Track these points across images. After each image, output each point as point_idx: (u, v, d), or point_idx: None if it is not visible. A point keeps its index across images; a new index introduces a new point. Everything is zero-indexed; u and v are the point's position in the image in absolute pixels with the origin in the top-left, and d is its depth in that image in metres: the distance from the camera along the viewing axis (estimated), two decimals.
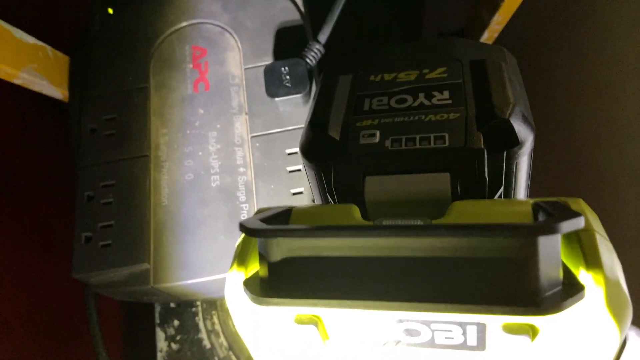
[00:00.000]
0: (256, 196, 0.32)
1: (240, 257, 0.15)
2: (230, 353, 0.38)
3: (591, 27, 0.41)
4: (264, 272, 0.14)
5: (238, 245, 0.16)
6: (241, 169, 0.33)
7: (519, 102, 0.19)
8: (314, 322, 0.14)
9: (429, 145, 0.18)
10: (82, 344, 0.38)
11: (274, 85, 0.33)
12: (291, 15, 0.36)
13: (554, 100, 0.46)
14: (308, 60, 0.34)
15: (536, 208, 0.14)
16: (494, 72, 0.21)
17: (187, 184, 0.33)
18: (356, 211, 0.16)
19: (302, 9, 0.36)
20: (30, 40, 0.35)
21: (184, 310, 0.40)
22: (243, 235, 0.16)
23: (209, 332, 0.39)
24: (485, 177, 0.18)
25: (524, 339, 0.12)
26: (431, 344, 0.14)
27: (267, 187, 0.32)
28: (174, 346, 0.39)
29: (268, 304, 0.13)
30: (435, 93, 0.21)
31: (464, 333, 0.13)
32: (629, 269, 0.14)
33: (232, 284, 0.15)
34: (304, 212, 0.16)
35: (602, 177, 0.40)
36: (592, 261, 0.12)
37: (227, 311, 0.39)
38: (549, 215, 0.12)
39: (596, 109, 0.41)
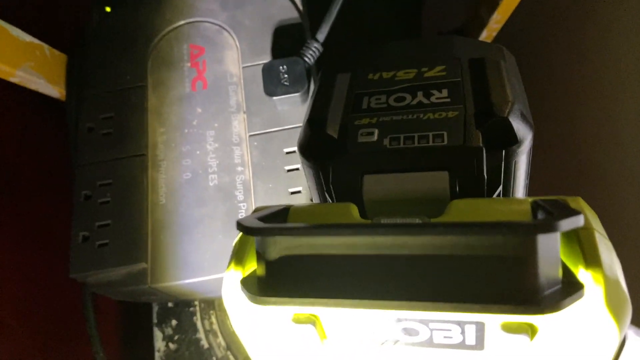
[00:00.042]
0: (254, 195, 0.32)
1: (238, 256, 0.15)
2: (228, 353, 0.38)
3: (591, 26, 0.41)
4: (261, 271, 0.13)
5: (235, 244, 0.16)
6: (239, 168, 0.33)
7: (517, 100, 0.19)
8: (312, 321, 0.14)
9: (428, 144, 0.18)
10: (80, 343, 0.38)
11: (272, 83, 0.33)
12: (289, 13, 0.36)
13: (553, 99, 0.46)
14: (306, 59, 0.33)
15: (535, 207, 0.14)
16: (492, 70, 0.20)
17: (185, 183, 0.33)
18: (354, 210, 0.16)
19: (301, 7, 0.36)
20: (27, 38, 0.35)
21: (181, 310, 0.40)
22: (240, 234, 0.16)
23: (206, 332, 0.39)
24: (484, 176, 0.18)
25: (522, 338, 0.12)
26: (429, 343, 0.14)
27: (265, 186, 0.32)
28: (172, 346, 0.39)
29: (266, 303, 0.13)
30: (434, 91, 0.20)
31: (463, 332, 0.13)
32: (628, 269, 0.14)
33: (229, 283, 0.15)
34: (301, 211, 0.16)
35: (601, 176, 0.40)
36: (592, 260, 0.12)
37: (224, 311, 0.39)
38: (548, 214, 0.12)
39: (596, 109, 0.41)
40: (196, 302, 0.40)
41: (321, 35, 0.34)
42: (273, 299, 0.13)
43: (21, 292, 0.36)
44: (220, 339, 0.38)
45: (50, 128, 0.41)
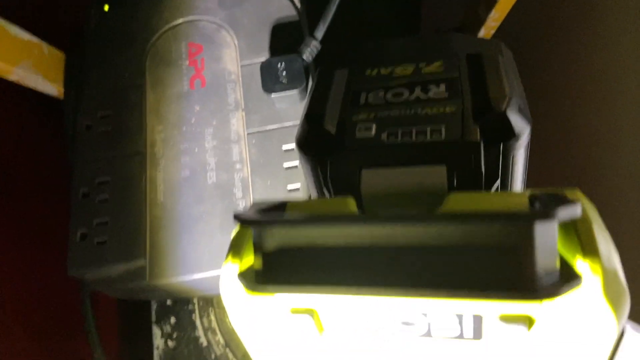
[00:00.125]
0: (252, 193, 0.32)
1: (235, 250, 0.15)
2: (227, 350, 0.38)
3: (588, 24, 0.41)
4: (258, 264, 0.13)
5: (233, 238, 0.16)
6: (237, 166, 0.33)
7: (515, 95, 0.19)
8: (310, 312, 0.14)
9: (425, 139, 0.18)
10: (78, 341, 0.38)
11: (270, 81, 0.33)
12: (287, 11, 0.36)
13: (551, 96, 0.46)
14: (304, 57, 0.33)
15: (533, 199, 0.14)
16: (490, 65, 0.21)
17: (183, 181, 0.33)
18: (352, 203, 0.16)
19: (298, 5, 0.36)
20: (26, 36, 0.35)
21: (180, 307, 0.40)
22: (238, 227, 0.16)
23: (205, 330, 0.39)
24: (482, 170, 0.18)
25: (520, 329, 0.12)
26: (427, 335, 0.14)
27: (264, 184, 0.32)
28: (171, 343, 0.39)
29: (263, 291, 0.13)
30: (432, 87, 0.21)
31: (461, 323, 0.13)
32: (627, 268, 0.14)
33: (227, 276, 0.15)
34: (299, 205, 0.16)
35: (600, 173, 0.40)
36: (589, 250, 0.12)
37: (223, 309, 0.39)
38: (546, 204, 0.12)
39: (594, 106, 0.41)
40: (195, 300, 0.40)
41: (319, 33, 0.34)
42: (270, 287, 0.13)
43: (19, 291, 0.35)
44: (219, 337, 0.38)
45: (47, 127, 0.41)
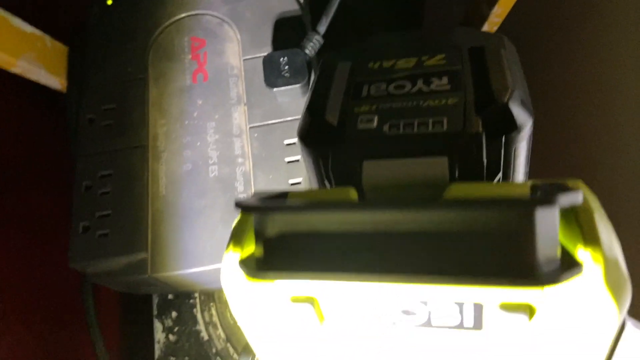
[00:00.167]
0: (254, 186, 0.32)
1: (236, 238, 0.15)
2: (228, 345, 0.38)
3: (592, 21, 0.41)
4: (259, 251, 0.13)
5: (234, 227, 0.16)
6: (239, 160, 0.33)
7: (517, 87, 0.19)
8: (310, 301, 0.14)
9: (427, 130, 0.18)
10: (80, 334, 0.38)
11: (272, 75, 0.33)
12: (290, 5, 0.36)
13: (553, 92, 0.46)
14: (307, 51, 0.33)
15: (535, 189, 0.14)
16: (492, 58, 0.20)
17: (185, 175, 0.33)
18: (353, 193, 0.16)
19: None
20: (29, 29, 0.35)
21: (181, 301, 0.40)
22: (239, 216, 0.16)
23: (206, 324, 0.39)
24: (484, 162, 0.18)
25: (521, 318, 0.12)
26: (427, 324, 0.14)
27: (266, 178, 0.32)
28: (172, 337, 0.39)
29: (263, 277, 0.13)
30: (434, 79, 0.20)
31: (461, 312, 0.13)
32: (627, 267, 0.14)
33: (228, 264, 0.15)
34: (300, 194, 0.16)
35: (601, 168, 0.40)
36: (590, 239, 0.12)
37: (225, 303, 0.39)
38: (547, 192, 0.12)
39: (595, 102, 0.41)
40: (196, 294, 0.40)
41: (322, 28, 0.34)
42: (270, 273, 0.13)
43: (19, 284, 0.36)
44: (220, 331, 0.38)
45: (50, 120, 0.42)
